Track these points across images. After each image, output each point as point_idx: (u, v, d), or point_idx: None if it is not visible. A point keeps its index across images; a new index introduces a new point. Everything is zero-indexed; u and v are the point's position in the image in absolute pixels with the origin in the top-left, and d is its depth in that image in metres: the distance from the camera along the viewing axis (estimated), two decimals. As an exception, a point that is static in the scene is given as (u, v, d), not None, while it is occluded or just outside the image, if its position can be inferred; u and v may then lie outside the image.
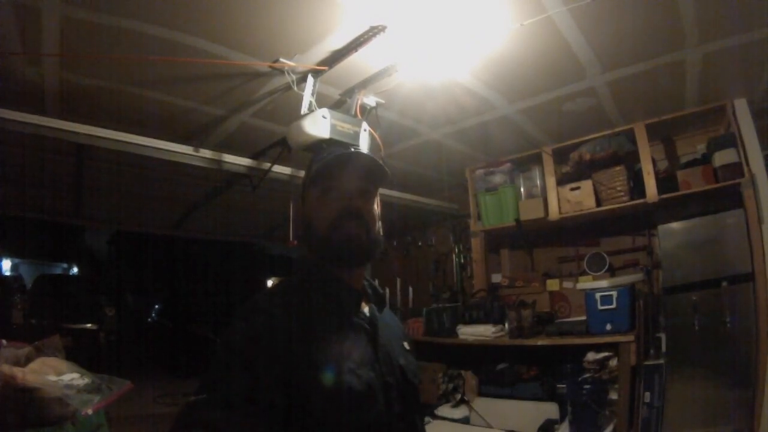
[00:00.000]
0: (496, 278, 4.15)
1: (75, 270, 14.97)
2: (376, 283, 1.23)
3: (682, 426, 2.95)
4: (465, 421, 3.49)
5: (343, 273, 1.08)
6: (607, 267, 3.64)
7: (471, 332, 3.59)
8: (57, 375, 1.68)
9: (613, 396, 2.99)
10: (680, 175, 3.10)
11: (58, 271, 14.99)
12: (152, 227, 5.64)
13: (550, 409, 3.21)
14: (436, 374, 3.85)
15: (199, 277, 11.10)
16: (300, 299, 1.01)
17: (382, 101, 2.56)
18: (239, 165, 3.00)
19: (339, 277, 1.08)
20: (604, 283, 3.15)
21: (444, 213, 4.57)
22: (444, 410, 3.61)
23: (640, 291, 3.23)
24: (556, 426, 3.08)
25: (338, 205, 1.05)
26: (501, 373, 3.57)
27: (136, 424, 4.67)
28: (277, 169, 3.06)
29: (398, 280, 4.98)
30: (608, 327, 3.04)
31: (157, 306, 11.83)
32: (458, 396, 3.66)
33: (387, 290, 4.83)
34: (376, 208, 1.12)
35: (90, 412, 1.56)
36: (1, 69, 2.06)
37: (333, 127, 2.13)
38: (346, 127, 2.20)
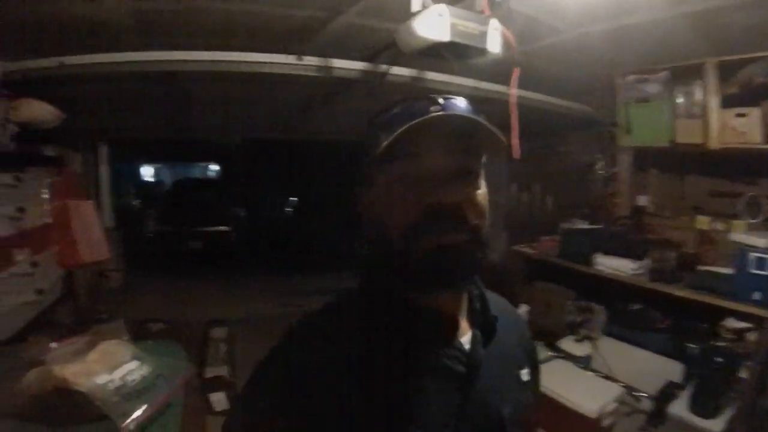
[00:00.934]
0: (642, 201, 3.45)
1: (213, 171, 15.22)
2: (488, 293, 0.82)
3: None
4: (585, 362, 3.25)
5: (429, 298, 0.72)
6: (765, 216, 2.71)
7: (609, 264, 3.17)
8: (113, 368, 1.60)
9: (744, 375, 2.44)
10: None
11: (197, 173, 15.27)
12: (275, 132, 5.30)
13: (675, 370, 2.78)
14: (564, 302, 3.66)
15: (327, 178, 9.74)
16: (356, 330, 0.71)
17: (516, -7, 2.01)
18: (351, 69, 2.61)
19: (421, 304, 0.71)
20: (761, 242, 2.40)
21: (588, 119, 3.81)
22: (567, 344, 3.35)
23: None
24: (678, 392, 2.70)
25: (422, 199, 0.66)
26: (634, 315, 3.16)
27: (255, 327, 4.43)
28: (397, 71, 2.68)
29: (536, 187, 4.41)
30: (756, 296, 2.38)
31: (286, 207, 11.54)
32: (583, 331, 3.46)
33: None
34: (483, 192, 0.72)
35: (129, 424, 1.48)
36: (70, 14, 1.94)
37: (453, 28, 1.72)
38: (470, 26, 1.76)
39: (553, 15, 2.44)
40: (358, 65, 2.66)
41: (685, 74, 2.89)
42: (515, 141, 1.46)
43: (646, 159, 3.56)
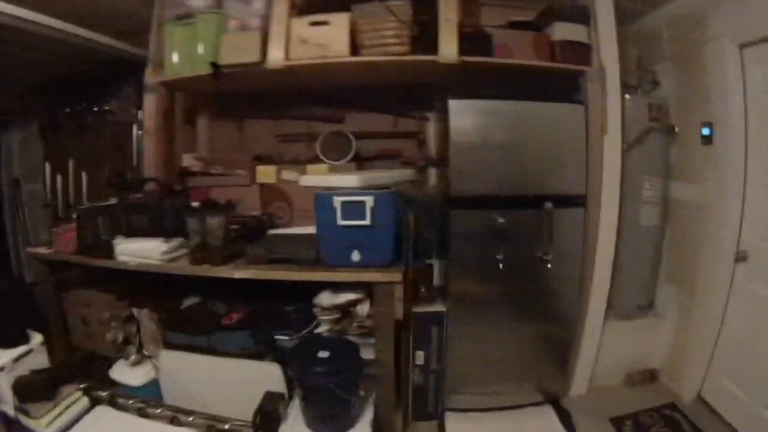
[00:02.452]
0: (187, 160, 2.40)
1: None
2: None
3: (473, 392, 1.82)
4: (147, 392, 1.95)
5: None
6: (352, 155, 2.07)
7: (132, 251, 1.82)
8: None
9: (369, 355, 1.65)
10: (499, 36, 1.86)
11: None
12: None
13: (269, 373, 1.79)
14: (102, 314, 2.14)
15: None
16: None
17: None
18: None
19: None
20: (351, 181, 1.51)
21: (128, 61, 2.53)
22: (121, 372, 2.04)
23: (409, 198, 1.71)
24: (282, 405, 1.68)
25: None
26: (189, 314, 1.99)
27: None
28: None
29: (70, 163, 2.91)
30: (356, 256, 1.53)
31: None
32: (131, 350, 2.03)
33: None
34: None
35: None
36: None
37: None
38: None
39: None
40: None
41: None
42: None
43: (195, 105, 2.49)
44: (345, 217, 1.51)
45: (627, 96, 1.97)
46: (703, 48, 1.96)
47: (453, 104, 1.61)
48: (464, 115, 1.62)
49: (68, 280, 2.34)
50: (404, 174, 1.85)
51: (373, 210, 1.49)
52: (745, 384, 1.81)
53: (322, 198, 1.54)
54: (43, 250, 2.27)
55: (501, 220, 1.58)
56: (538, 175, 1.67)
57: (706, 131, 1.99)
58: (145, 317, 2.04)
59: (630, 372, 2.33)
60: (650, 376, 2.33)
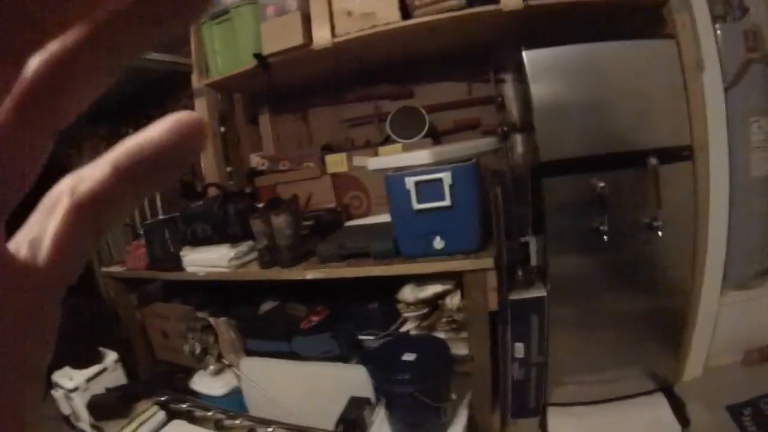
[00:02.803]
0: (254, 161, 2.30)
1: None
2: None
3: (577, 383, 1.61)
4: (233, 401, 1.91)
5: None
6: (426, 131, 1.89)
7: (200, 260, 1.77)
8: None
9: (462, 351, 1.49)
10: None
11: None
12: None
13: (355, 376, 1.67)
14: (180, 324, 2.13)
15: None
16: None
17: None
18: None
19: None
20: (421, 157, 1.31)
21: (180, 73, 2.48)
22: (201, 382, 2.01)
23: (493, 171, 1.51)
24: (368, 411, 1.56)
25: None
26: (267, 320, 1.90)
27: None
28: None
29: None
30: (438, 244, 1.35)
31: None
32: (210, 360, 1.98)
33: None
34: None
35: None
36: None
37: None
38: None
39: None
40: None
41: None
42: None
43: (254, 106, 2.42)
44: (421, 199, 1.35)
45: (717, 26, 1.70)
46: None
47: (528, 56, 1.40)
48: (543, 68, 1.40)
49: (146, 295, 2.36)
50: (485, 143, 1.65)
51: (452, 188, 1.31)
52: None
53: (393, 180, 1.38)
54: (116, 268, 2.28)
55: (601, 185, 1.33)
56: (634, 128, 1.42)
57: None
58: (222, 325, 1.97)
59: (749, 349, 2.03)
60: (772, 353, 2.03)
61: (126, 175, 0.15)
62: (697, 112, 1.55)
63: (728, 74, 1.68)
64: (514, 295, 1.51)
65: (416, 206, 1.35)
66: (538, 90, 1.40)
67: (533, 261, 1.58)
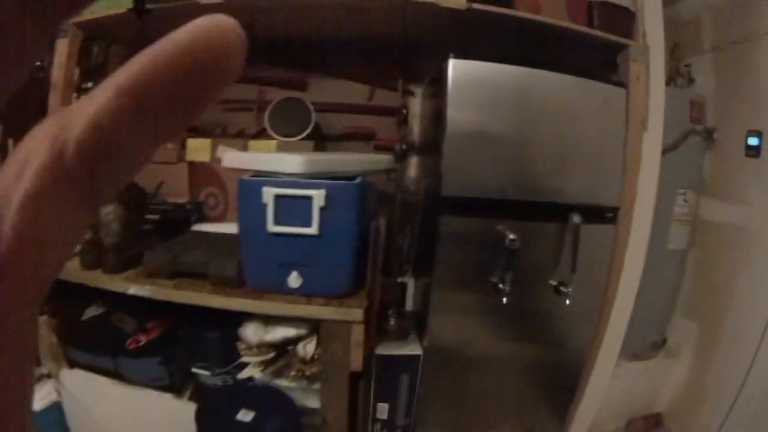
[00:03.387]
0: None
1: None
2: None
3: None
4: (52, 418, 1.47)
5: None
6: (310, 129, 1.53)
7: None
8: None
9: (314, 404, 1.16)
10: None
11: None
12: None
13: (185, 412, 1.28)
14: None
15: None
16: None
17: None
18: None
19: None
20: (291, 163, 0.96)
21: None
22: None
23: (384, 195, 1.19)
24: None
25: None
26: (91, 328, 1.46)
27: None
28: None
29: None
30: (293, 280, 1.02)
31: None
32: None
33: None
34: None
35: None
36: None
37: None
38: None
39: None
40: None
41: None
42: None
43: None
44: (280, 219, 0.99)
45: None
46: (755, 43, 1.58)
47: (456, 66, 1.09)
48: (468, 84, 1.09)
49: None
50: (379, 160, 1.32)
51: (324, 211, 0.96)
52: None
53: (247, 186, 1.00)
54: None
55: (511, 237, 1.06)
56: (561, 176, 1.17)
57: (753, 141, 1.61)
58: (42, 325, 1.50)
59: (633, 418, 1.93)
60: (654, 422, 1.94)
61: (140, 106, 0.11)
62: (632, 173, 1.34)
63: (666, 140, 1.51)
64: (383, 349, 1.20)
65: (272, 227, 0.99)
66: (456, 109, 1.09)
67: (409, 305, 1.28)
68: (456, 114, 1.08)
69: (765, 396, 1.54)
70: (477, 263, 1.16)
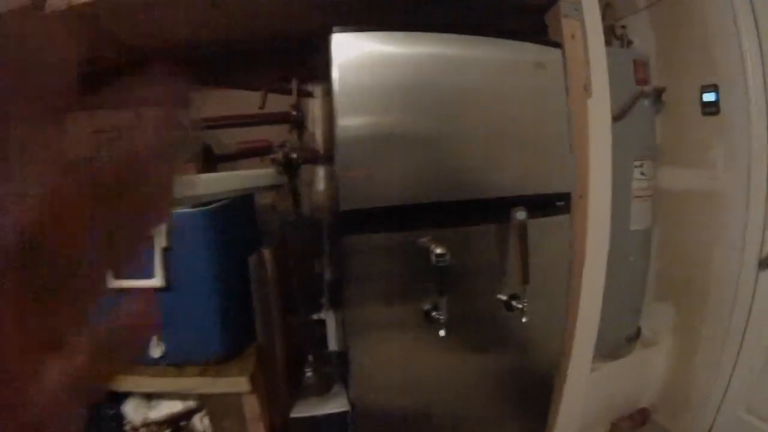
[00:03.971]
0: None
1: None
2: None
3: None
4: None
5: None
6: (190, 149, 1.15)
7: None
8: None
9: None
10: None
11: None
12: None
13: None
14: None
15: None
16: None
17: None
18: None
19: None
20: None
21: None
22: None
23: (269, 219, 0.98)
24: None
25: None
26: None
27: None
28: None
29: None
30: (154, 348, 0.69)
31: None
32: None
33: None
34: None
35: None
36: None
37: None
38: None
39: None
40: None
41: None
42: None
43: None
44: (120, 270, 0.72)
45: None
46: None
47: (341, 43, 0.83)
48: (362, 64, 0.83)
49: None
50: (248, 177, 1.04)
51: (168, 253, 0.70)
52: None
53: None
54: None
55: (438, 252, 0.81)
56: (495, 167, 0.92)
57: (710, 96, 1.42)
58: None
59: (616, 419, 1.72)
60: (641, 419, 1.74)
61: None
62: (581, 149, 1.11)
63: (613, 107, 1.29)
64: (300, 410, 0.93)
65: (112, 282, 0.72)
66: (348, 98, 0.83)
67: (331, 345, 1.02)
68: (348, 105, 0.82)
69: (764, 368, 1.40)
70: (400, 291, 0.90)
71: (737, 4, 1.35)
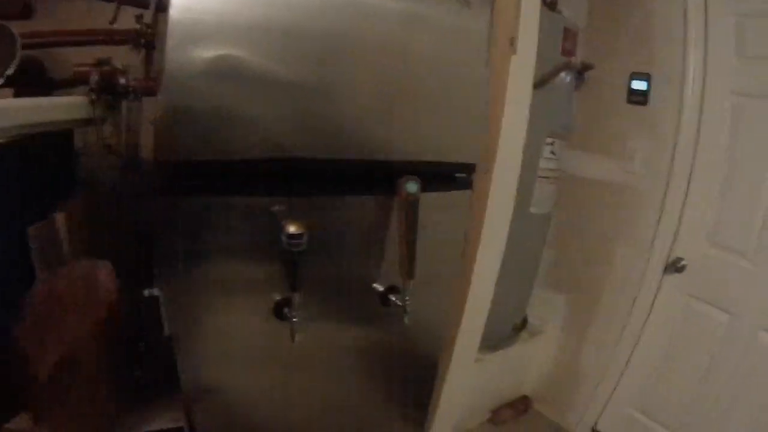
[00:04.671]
0: None
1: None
2: None
3: None
4: None
5: None
6: (12, 68, 0.88)
7: None
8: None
9: None
10: None
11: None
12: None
13: None
14: None
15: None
16: None
17: None
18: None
19: None
20: None
21: None
22: None
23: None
24: None
25: None
26: None
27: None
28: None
29: None
30: None
31: None
32: None
33: None
34: None
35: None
36: None
37: None
38: None
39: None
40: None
41: None
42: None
43: None
44: None
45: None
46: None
47: None
48: None
49: None
50: (48, 107, 0.72)
51: None
52: (660, 416, 1.39)
53: None
54: None
55: (292, 230, 0.58)
56: (384, 123, 0.71)
57: (639, 84, 1.37)
58: None
59: (497, 407, 1.68)
60: (522, 407, 1.74)
61: None
62: (496, 113, 0.94)
63: (535, 73, 1.13)
64: (129, 425, 0.68)
65: None
66: (187, 12, 0.56)
67: (167, 328, 0.77)
68: (189, 24, 0.55)
69: (655, 370, 1.40)
70: (248, 271, 0.68)
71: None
